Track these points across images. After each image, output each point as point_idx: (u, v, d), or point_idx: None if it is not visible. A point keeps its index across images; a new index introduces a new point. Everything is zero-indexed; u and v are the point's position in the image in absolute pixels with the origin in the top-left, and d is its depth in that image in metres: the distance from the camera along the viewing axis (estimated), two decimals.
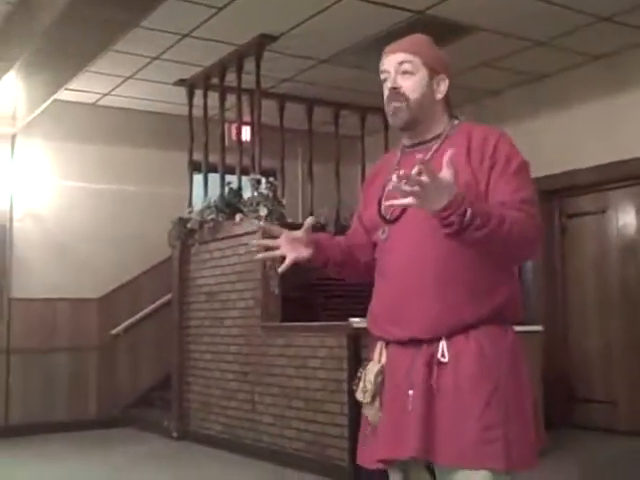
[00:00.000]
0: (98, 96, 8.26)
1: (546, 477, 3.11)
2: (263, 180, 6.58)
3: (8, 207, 7.98)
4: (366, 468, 2.30)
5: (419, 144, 2.33)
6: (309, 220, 2.36)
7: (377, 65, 2.35)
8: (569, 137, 7.23)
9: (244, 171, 7.17)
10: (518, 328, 2.26)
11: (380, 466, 2.24)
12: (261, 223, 6.03)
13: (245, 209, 6.65)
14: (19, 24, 5.84)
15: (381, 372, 2.27)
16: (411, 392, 2.15)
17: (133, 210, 8.37)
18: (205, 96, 7.72)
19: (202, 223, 7.23)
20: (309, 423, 5.91)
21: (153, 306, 8.53)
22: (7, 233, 7.93)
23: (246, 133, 7.55)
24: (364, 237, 2.46)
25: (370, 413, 2.28)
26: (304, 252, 2.34)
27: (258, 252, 2.49)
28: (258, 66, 6.88)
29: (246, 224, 6.60)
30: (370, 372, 2.29)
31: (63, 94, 7.25)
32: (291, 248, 2.33)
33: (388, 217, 2.29)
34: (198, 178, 7.82)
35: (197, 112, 7.78)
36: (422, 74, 2.28)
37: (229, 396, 6.90)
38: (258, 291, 6.53)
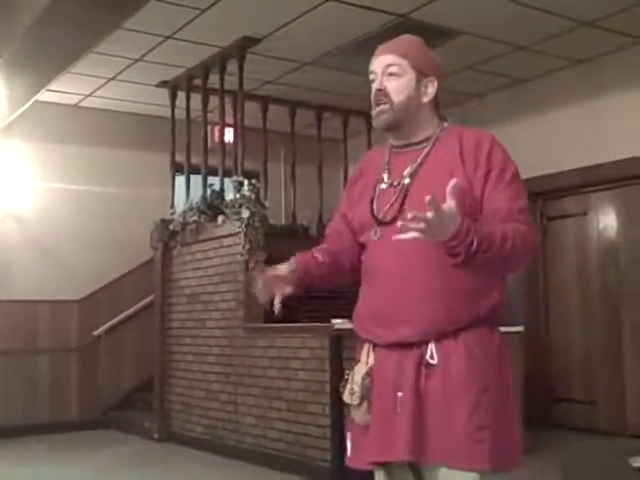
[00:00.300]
0: (80, 97, 8.23)
1: (526, 476, 3.14)
2: (246, 182, 6.57)
3: None
4: (350, 468, 2.31)
5: (409, 145, 2.33)
6: (292, 262, 2.36)
7: (360, 68, 2.37)
8: (550, 140, 7.29)
9: (227, 173, 7.18)
10: (501, 329, 2.28)
11: (372, 468, 2.25)
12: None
13: (227, 211, 6.66)
14: None
15: (368, 374, 2.26)
16: (400, 394, 2.16)
17: (115, 211, 8.33)
18: (188, 98, 7.72)
19: (184, 225, 7.23)
20: (291, 424, 5.91)
21: (135, 308, 8.51)
22: None
23: (229, 135, 7.56)
24: (349, 238, 2.44)
25: (357, 415, 2.27)
26: (287, 289, 2.34)
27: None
28: (241, 68, 6.88)
29: (228, 226, 6.61)
30: (357, 374, 2.28)
31: (44, 95, 7.23)
32: (276, 287, 2.33)
33: (381, 218, 2.28)
34: (180, 180, 7.83)
35: (180, 114, 7.78)
36: (409, 76, 2.29)
37: (211, 397, 6.89)
38: (240, 293, 6.53)
